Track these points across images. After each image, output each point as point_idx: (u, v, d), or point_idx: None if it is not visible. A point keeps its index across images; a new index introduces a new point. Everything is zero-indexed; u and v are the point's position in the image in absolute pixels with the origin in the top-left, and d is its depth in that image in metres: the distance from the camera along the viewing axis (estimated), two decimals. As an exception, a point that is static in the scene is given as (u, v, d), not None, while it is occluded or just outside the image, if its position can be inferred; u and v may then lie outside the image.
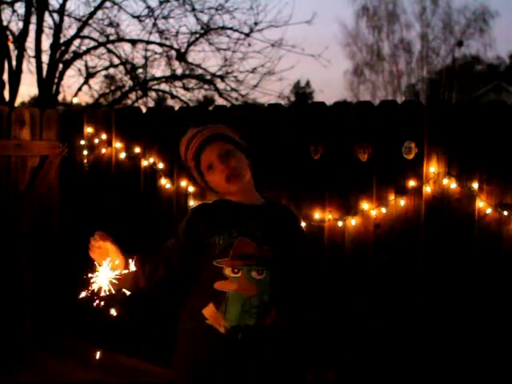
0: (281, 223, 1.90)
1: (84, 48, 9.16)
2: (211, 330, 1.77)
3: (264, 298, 1.80)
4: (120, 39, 9.10)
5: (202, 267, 1.84)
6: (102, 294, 1.67)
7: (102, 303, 1.68)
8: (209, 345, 1.79)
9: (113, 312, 1.76)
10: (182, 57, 9.40)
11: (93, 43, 9.13)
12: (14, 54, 8.57)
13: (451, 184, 2.62)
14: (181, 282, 1.88)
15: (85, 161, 3.77)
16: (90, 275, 1.69)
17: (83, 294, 1.68)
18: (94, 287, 1.68)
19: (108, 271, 1.68)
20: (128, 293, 1.73)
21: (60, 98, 9.65)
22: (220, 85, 9.74)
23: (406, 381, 2.74)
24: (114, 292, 1.68)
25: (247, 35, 9.17)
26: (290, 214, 2.00)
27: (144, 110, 3.68)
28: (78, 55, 9.11)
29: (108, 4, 8.75)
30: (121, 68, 9.75)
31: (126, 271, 1.72)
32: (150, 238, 3.42)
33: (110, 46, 9.20)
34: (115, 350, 3.56)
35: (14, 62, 8.50)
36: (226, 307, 1.77)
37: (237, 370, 1.78)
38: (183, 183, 3.34)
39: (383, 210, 2.77)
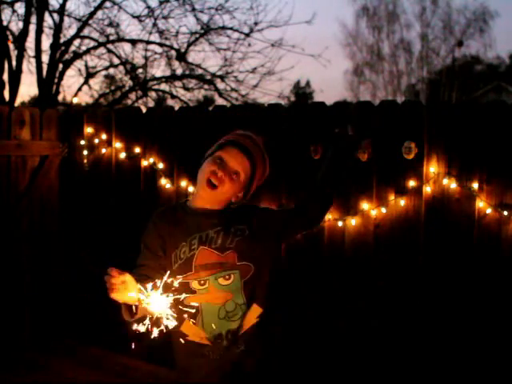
0: (243, 220, 1.84)
1: (84, 48, 9.16)
2: (196, 346, 1.77)
3: (238, 300, 1.78)
4: (120, 39, 9.10)
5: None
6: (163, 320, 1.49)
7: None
8: (200, 361, 1.78)
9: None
10: (181, 57, 9.39)
11: (93, 43, 9.13)
12: (14, 53, 8.57)
13: (451, 184, 2.62)
14: None
15: (85, 161, 3.77)
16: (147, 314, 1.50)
17: (142, 328, 1.49)
18: (154, 317, 1.49)
19: (160, 297, 1.49)
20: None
21: (60, 97, 9.65)
22: (220, 85, 9.74)
23: (406, 380, 2.74)
24: (174, 315, 1.51)
25: (247, 35, 9.16)
26: (254, 208, 1.93)
27: (144, 109, 3.68)
28: (77, 55, 9.11)
29: (108, 4, 8.75)
30: (121, 68, 9.75)
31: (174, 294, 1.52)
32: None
33: (109, 45, 9.19)
34: (116, 350, 3.56)
35: (14, 62, 8.50)
36: (202, 319, 1.77)
37: (232, 374, 1.78)
38: (183, 183, 3.34)
39: (383, 209, 2.77)
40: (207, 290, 1.76)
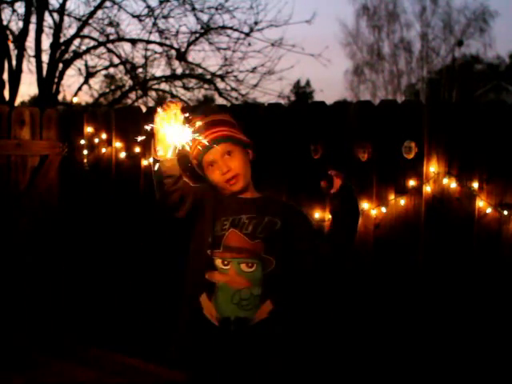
0: (278, 214, 1.90)
1: (84, 47, 9.16)
2: (206, 321, 1.80)
3: (255, 290, 1.81)
4: (120, 39, 9.09)
5: (193, 252, 1.88)
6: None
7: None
8: (205, 336, 1.80)
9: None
10: (181, 56, 9.39)
11: (93, 43, 9.13)
12: (13, 53, 8.57)
13: (451, 183, 2.62)
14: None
15: (85, 160, 3.77)
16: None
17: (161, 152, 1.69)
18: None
19: (185, 129, 1.69)
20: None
21: (60, 97, 9.65)
22: (220, 84, 9.74)
23: (405, 381, 2.74)
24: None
25: (247, 35, 9.15)
26: (291, 210, 2.00)
27: (144, 109, 3.68)
28: (78, 55, 9.11)
29: (108, 3, 8.74)
30: (121, 68, 9.75)
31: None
32: (150, 237, 3.43)
33: (109, 45, 9.19)
34: (115, 350, 3.56)
35: (14, 62, 8.50)
36: (216, 298, 1.80)
37: (231, 363, 1.80)
38: (183, 183, 3.34)
39: (383, 209, 2.77)
40: (228, 271, 1.80)
